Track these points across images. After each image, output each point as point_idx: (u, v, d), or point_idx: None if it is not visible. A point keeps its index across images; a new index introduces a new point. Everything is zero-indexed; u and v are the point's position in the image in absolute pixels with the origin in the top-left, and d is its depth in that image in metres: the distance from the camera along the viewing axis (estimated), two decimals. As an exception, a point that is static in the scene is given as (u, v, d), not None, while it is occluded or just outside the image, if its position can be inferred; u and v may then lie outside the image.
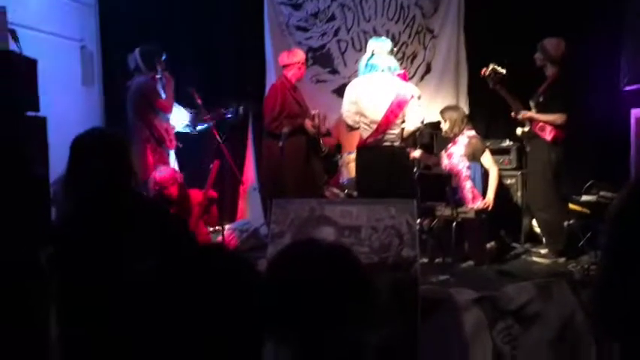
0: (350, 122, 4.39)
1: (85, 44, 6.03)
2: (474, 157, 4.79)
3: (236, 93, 6.21)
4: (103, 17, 6.30)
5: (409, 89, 4.36)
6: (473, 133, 4.90)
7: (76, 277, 1.63)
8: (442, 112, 4.96)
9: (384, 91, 4.26)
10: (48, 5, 5.49)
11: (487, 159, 4.80)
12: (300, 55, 5.27)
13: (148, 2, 6.24)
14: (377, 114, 4.25)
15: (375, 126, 4.27)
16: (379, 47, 4.41)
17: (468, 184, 4.77)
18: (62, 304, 1.65)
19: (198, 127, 5.37)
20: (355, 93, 4.32)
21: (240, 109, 5.36)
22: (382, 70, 4.32)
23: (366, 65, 4.37)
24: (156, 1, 6.26)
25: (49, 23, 5.47)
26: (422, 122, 4.41)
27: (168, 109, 5.10)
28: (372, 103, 4.26)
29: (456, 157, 4.82)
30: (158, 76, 5.09)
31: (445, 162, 4.92)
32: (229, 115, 5.35)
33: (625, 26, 5.40)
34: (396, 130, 4.30)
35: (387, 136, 4.30)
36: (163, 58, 5.13)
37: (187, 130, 5.43)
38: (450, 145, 4.93)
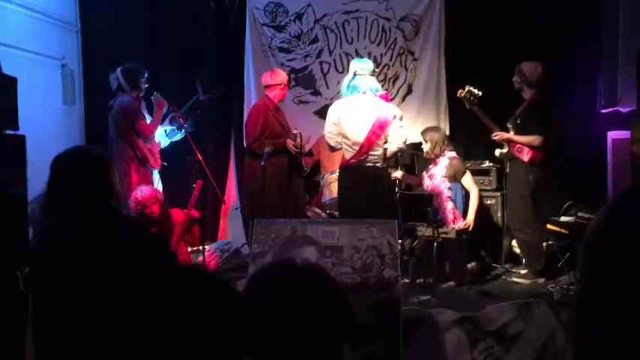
0: (332, 143, 4.40)
1: (65, 63, 6.01)
2: (454, 178, 4.84)
3: (218, 110, 6.24)
4: (85, 36, 6.29)
5: (391, 110, 4.39)
6: (454, 154, 4.95)
7: (53, 297, 1.60)
8: (423, 133, 5.00)
9: (366, 112, 4.28)
10: (29, 24, 5.47)
11: (468, 180, 4.85)
12: (282, 76, 5.29)
13: (130, 22, 6.26)
14: (359, 136, 4.27)
15: (357, 147, 4.28)
16: (361, 68, 4.44)
17: (449, 205, 4.80)
18: (39, 324, 1.62)
19: (181, 133, 5.30)
20: (337, 115, 4.34)
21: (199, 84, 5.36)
22: (364, 92, 4.34)
23: (348, 86, 4.39)
24: (138, 21, 6.28)
25: (30, 41, 5.45)
26: (404, 143, 4.44)
27: (149, 134, 5.00)
28: (353, 124, 4.28)
29: (437, 177, 4.86)
30: (141, 94, 5.08)
31: (427, 182, 4.95)
32: (202, 98, 5.32)
33: (601, 52, 5.53)
34: (379, 151, 4.33)
35: (370, 157, 4.32)
36: (146, 75, 5.10)
37: (177, 135, 5.35)
38: (431, 165, 4.98)
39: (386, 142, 4.35)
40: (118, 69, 5.03)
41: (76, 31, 6.28)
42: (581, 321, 0.83)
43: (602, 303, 0.78)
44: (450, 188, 4.82)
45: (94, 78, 6.27)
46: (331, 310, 1.18)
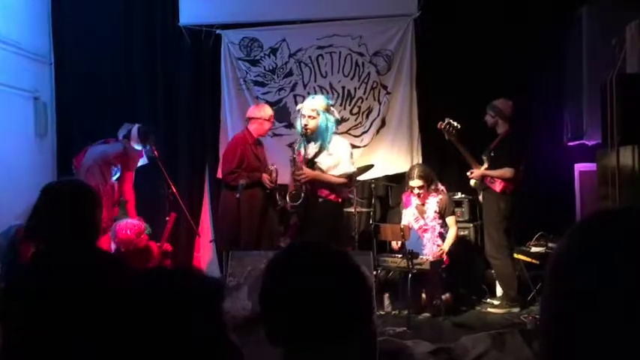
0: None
1: (38, 95, 5.97)
2: (442, 214, 4.97)
3: (192, 145, 6.25)
4: (58, 70, 6.28)
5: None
6: (443, 188, 5.09)
7: (23, 330, 1.57)
8: (419, 172, 5.00)
9: None
10: (2, 56, 5.44)
11: (451, 219, 4.99)
12: (264, 111, 5.25)
13: (104, 56, 6.26)
14: None
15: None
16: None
17: (439, 241, 4.93)
18: (10, 354, 1.58)
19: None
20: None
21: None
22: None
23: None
24: (112, 55, 6.29)
25: (3, 74, 5.42)
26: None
27: (128, 191, 5.20)
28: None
29: (430, 212, 4.95)
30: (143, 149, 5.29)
31: (413, 213, 5.04)
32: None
33: (566, 86, 5.72)
34: None
35: None
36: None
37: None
38: (407, 197, 5.05)
39: None
40: (136, 125, 5.28)
41: (49, 64, 6.26)
42: (548, 351, 0.82)
43: (569, 332, 0.78)
44: (441, 225, 4.94)
45: (67, 111, 6.24)
46: (357, 295, 1.20)
